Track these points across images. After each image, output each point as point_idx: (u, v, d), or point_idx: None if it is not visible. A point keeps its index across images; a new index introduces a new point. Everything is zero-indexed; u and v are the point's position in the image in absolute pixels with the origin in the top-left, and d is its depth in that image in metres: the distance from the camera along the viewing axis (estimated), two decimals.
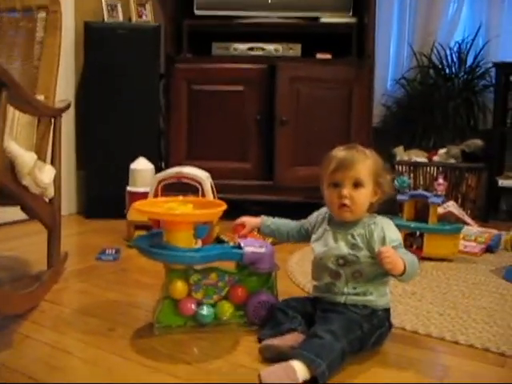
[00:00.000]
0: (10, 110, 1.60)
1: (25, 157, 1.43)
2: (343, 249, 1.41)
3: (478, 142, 3.20)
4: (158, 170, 2.75)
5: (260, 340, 1.38)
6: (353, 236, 1.41)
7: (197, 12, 3.07)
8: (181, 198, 1.64)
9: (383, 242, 1.38)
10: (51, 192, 1.72)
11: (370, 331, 1.36)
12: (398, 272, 1.31)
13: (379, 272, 1.40)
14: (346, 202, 1.40)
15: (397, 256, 1.31)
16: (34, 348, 1.38)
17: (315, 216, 1.55)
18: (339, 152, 1.44)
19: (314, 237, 1.51)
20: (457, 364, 1.35)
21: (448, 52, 3.53)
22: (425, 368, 1.34)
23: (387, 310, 1.45)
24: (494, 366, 1.34)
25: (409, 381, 1.25)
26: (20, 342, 1.40)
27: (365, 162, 1.41)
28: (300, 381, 1.18)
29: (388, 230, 1.41)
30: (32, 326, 1.50)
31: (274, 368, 1.20)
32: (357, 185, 1.40)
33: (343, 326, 1.31)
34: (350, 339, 1.29)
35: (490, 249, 2.44)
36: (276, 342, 1.31)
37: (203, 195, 2.38)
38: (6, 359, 1.30)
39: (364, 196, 1.41)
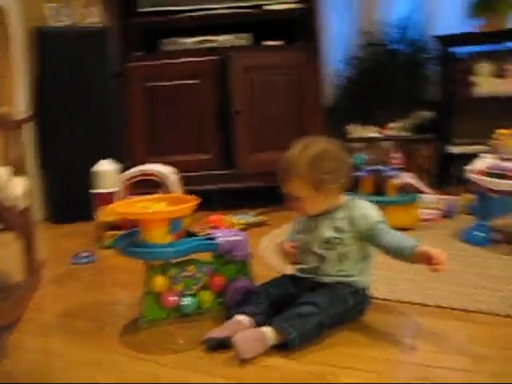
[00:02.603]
0: None
1: None
2: (327, 232, 1.47)
3: (426, 113, 3.33)
4: (124, 169, 2.77)
5: (226, 318, 1.45)
6: (336, 219, 1.47)
7: (139, 9, 3.07)
8: (155, 195, 1.69)
9: (366, 218, 1.44)
10: (24, 203, 1.75)
11: (353, 307, 1.44)
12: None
13: (364, 253, 1.49)
14: (295, 209, 1.50)
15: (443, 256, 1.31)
16: (27, 355, 1.43)
17: (296, 220, 1.60)
18: (280, 162, 1.48)
19: (298, 232, 1.57)
20: (426, 324, 1.46)
21: (390, 28, 3.63)
22: (397, 330, 1.44)
23: (368, 288, 1.53)
24: (460, 321, 1.46)
25: (383, 343, 1.35)
26: (13, 351, 1.44)
27: (292, 177, 1.44)
28: (269, 344, 1.30)
29: (368, 208, 1.47)
30: (22, 336, 1.54)
31: (246, 332, 1.31)
32: (295, 198, 1.47)
33: (327, 300, 1.38)
34: (331, 313, 1.37)
35: (447, 214, 2.57)
36: (215, 334, 1.36)
37: (169, 190, 2.43)
38: (3, 369, 1.34)
39: (306, 205, 1.47)
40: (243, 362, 1.27)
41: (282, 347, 1.31)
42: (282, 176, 1.47)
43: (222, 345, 1.34)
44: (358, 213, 1.46)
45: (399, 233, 1.44)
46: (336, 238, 1.46)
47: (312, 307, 1.36)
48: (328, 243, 1.47)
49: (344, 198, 1.51)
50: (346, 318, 1.44)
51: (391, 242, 1.41)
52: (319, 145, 1.46)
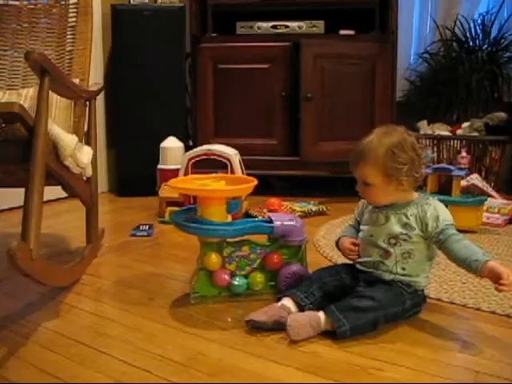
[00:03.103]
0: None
1: (67, 139, 1.51)
2: (395, 228, 1.42)
3: (502, 115, 3.22)
4: (186, 148, 2.83)
5: (277, 299, 1.46)
6: (406, 215, 1.42)
7: None
8: (214, 175, 1.71)
9: (437, 220, 1.39)
10: (89, 171, 1.81)
11: (410, 308, 1.42)
12: None
13: (430, 254, 1.45)
14: (362, 195, 1.47)
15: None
16: (80, 317, 1.48)
17: (361, 204, 1.57)
18: (357, 145, 1.44)
19: (362, 222, 1.54)
20: (480, 329, 1.41)
21: (471, 24, 3.53)
22: (448, 332, 1.40)
23: (425, 288, 1.50)
24: None
25: (435, 343, 1.32)
26: (67, 311, 1.51)
27: (367, 162, 1.40)
28: (321, 329, 1.32)
29: (441, 210, 1.41)
30: (76, 298, 1.61)
31: (301, 315, 1.34)
32: (365, 183, 1.43)
33: (387, 298, 1.36)
34: (388, 312, 1.35)
35: None
36: (254, 317, 1.37)
37: (232, 171, 2.45)
38: (57, 327, 1.40)
39: (374, 193, 1.43)
40: (291, 343, 1.29)
41: (332, 334, 1.32)
42: (356, 160, 1.43)
43: (259, 328, 1.36)
44: (430, 213, 1.40)
45: (469, 242, 1.38)
46: (403, 234, 1.42)
47: (371, 302, 1.34)
48: (394, 238, 1.43)
49: (416, 195, 1.47)
50: (401, 317, 1.41)
51: (460, 250, 1.35)
52: (399, 134, 1.41)
